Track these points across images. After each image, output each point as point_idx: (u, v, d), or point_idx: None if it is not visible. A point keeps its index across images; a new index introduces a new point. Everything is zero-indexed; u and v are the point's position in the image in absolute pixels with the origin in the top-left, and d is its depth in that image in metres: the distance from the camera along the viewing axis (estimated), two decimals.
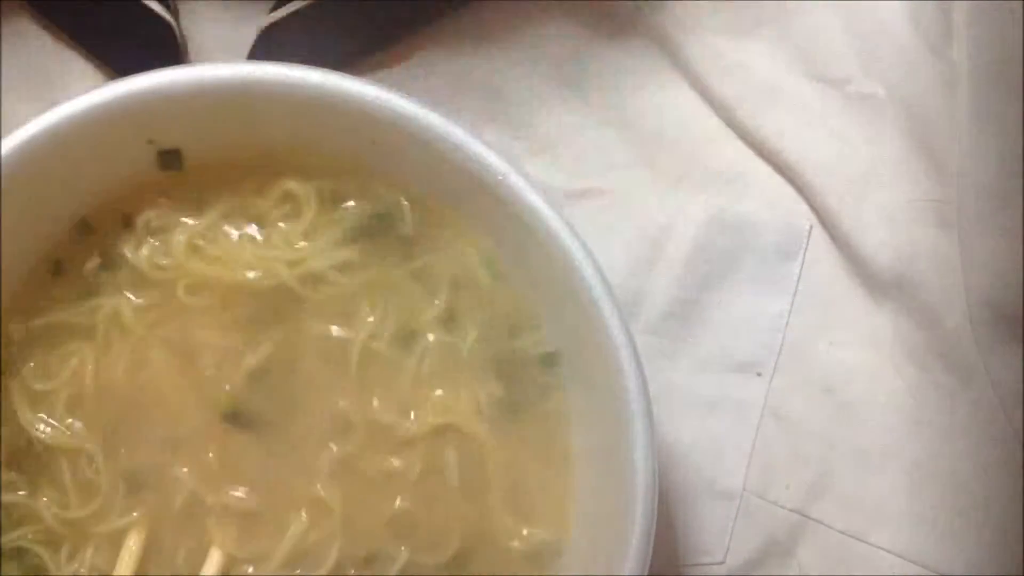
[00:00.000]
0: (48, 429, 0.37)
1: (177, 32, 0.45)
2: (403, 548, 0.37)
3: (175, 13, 0.46)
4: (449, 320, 0.38)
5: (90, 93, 0.34)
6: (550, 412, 0.38)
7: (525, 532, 0.37)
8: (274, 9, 0.45)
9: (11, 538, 0.37)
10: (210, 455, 0.37)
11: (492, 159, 0.34)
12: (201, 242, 0.38)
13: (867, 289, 0.44)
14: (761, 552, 0.43)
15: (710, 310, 0.44)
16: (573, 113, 0.46)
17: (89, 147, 0.35)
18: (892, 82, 0.44)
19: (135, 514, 0.37)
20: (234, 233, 0.38)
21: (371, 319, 0.38)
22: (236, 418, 0.37)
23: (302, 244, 0.38)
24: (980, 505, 0.43)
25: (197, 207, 0.38)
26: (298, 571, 0.37)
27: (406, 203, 0.38)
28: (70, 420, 0.37)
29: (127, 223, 0.38)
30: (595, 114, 0.46)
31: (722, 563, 0.43)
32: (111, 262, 0.38)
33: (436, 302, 0.38)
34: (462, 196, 0.36)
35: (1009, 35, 0.41)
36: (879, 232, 0.44)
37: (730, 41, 0.45)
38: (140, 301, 0.38)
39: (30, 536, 0.37)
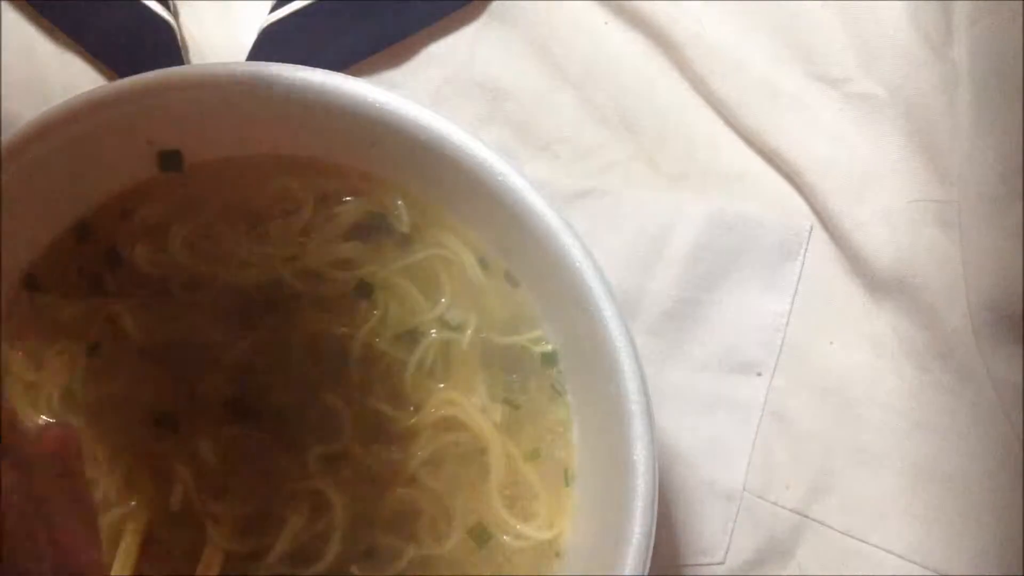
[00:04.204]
0: (46, 424, 0.37)
1: (177, 32, 0.45)
2: (404, 543, 0.37)
3: (175, 13, 0.46)
4: (448, 318, 0.38)
5: (90, 93, 0.34)
6: (549, 411, 0.38)
7: (525, 531, 0.37)
8: (274, 9, 0.45)
9: None
10: (208, 449, 0.37)
11: (492, 159, 0.34)
12: (198, 239, 0.38)
13: (867, 289, 0.44)
14: (761, 552, 0.43)
15: (710, 310, 0.44)
16: (573, 113, 0.46)
17: (89, 147, 0.35)
18: (892, 82, 0.44)
19: (133, 504, 0.37)
20: (231, 230, 0.38)
21: (371, 316, 0.38)
22: (234, 412, 0.37)
23: (300, 241, 0.38)
24: (980, 505, 0.43)
25: (195, 204, 0.38)
26: (298, 565, 0.37)
27: (402, 202, 0.38)
28: (67, 415, 0.37)
29: (125, 221, 0.38)
30: (595, 114, 0.46)
31: (722, 563, 0.43)
32: (109, 260, 0.38)
33: (435, 300, 0.38)
34: (462, 196, 0.36)
35: (1009, 35, 0.41)
36: (879, 232, 0.44)
37: (730, 41, 0.45)
38: (137, 298, 0.38)
39: None
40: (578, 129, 0.46)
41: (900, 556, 0.43)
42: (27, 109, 0.44)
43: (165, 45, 0.45)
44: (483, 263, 0.38)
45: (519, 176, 0.34)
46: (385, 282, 0.38)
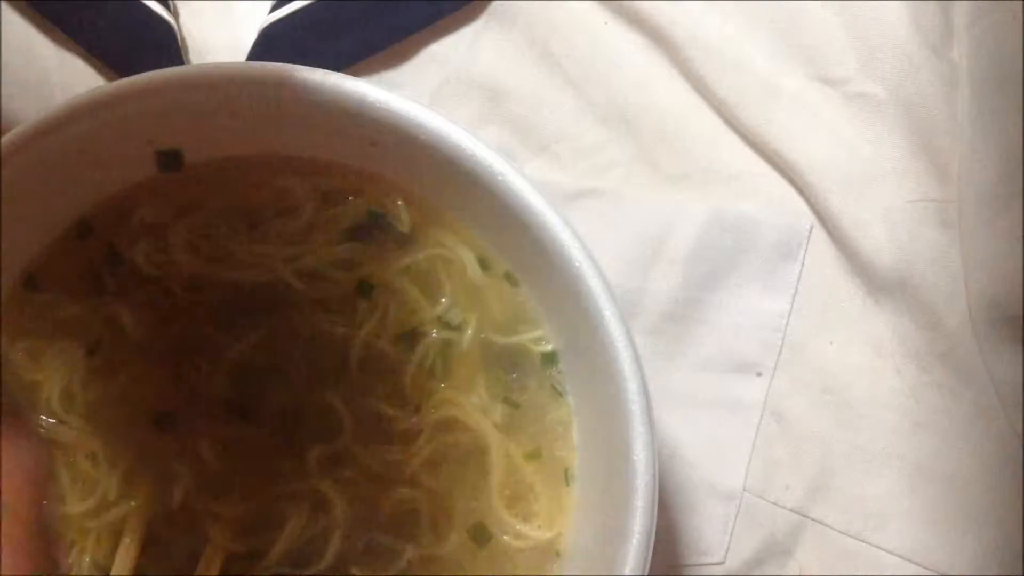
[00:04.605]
0: (46, 424, 0.37)
1: (177, 32, 0.45)
2: (404, 543, 0.37)
3: (175, 13, 0.46)
4: (448, 318, 0.38)
5: (90, 93, 0.34)
6: (550, 411, 0.38)
7: (525, 531, 0.37)
8: (274, 9, 0.45)
9: None
10: (208, 449, 0.37)
11: (492, 159, 0.34)
12: (198, 239, 0.38)
13: (867, 289, 0.44)
14: (761, 552, 0.43)
15: (710, 310, 0.44)
16: (573, 113, 0.46)
17: (89, 147, 0.35)
18: (892, 82, 0.44)
19: (133, 503, 0.37)
20: (231, 230, 0.38)
21: (371, 316, 0.38)
22: (234, 412, 0.37)
23: (300, 241, 0.38)
24: (981, 505, 0.43)
25: (194, 204, 0.38)
26: (298, 565, 0.37)
27: (402, 202, 0.38)
28: (67, 415, 0.37)
29: (125, 221, 0.38)
30: (595, 114, 0.46)
31: (722, 563, 0.43)
32: (109, 260, 0.38)
33: (435, 300, 0.38)
34: (461, 196, 0.36)
35: (1009, 35, 0.41)
36: (879, 232, 0.44)
37: (730, 41, 0.45)
38: (137, 298, 0.38)
39: None
40: (578, 129, 0.46)
41: (900, 556, 0.43)
42: (27, 109, 0.44)
43: (165, 45, 0.45)
44: (483, 263, 0.38)
45: (519, 176, 0.34)
46: (385, 282, 0.38)
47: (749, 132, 0.45)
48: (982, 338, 0.43)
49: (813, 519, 0.43)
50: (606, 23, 0.46)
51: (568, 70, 0.46)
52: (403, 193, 0.38)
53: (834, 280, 0.45)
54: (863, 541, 0.43)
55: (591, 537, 0.36)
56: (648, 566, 0.33)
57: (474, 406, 0.38)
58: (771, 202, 0.45)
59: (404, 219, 0.38)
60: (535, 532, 0.37)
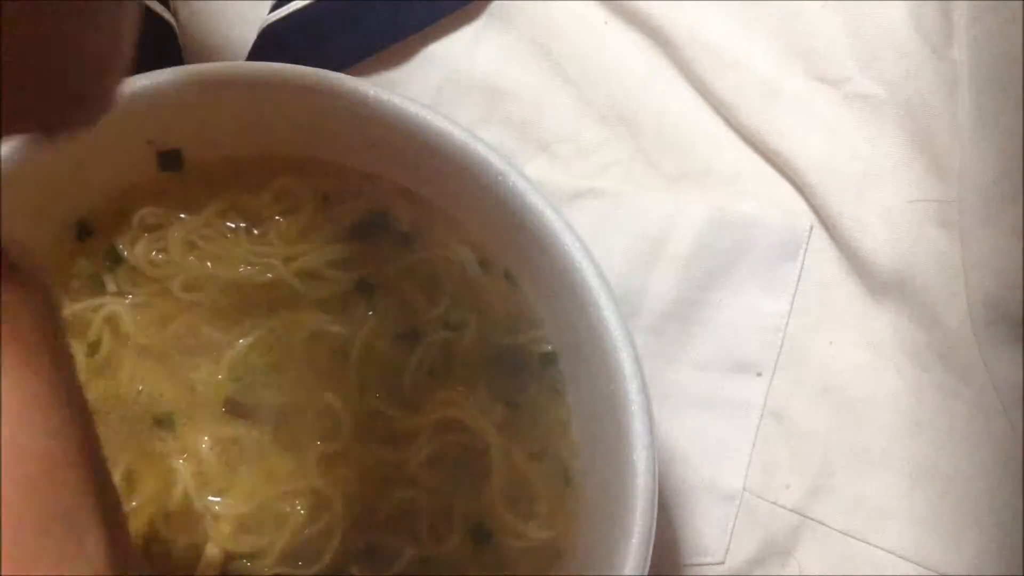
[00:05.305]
0: None
1: (177, 32, 0.45)
2: (404, 543, 0.37)
3: (175, 13, 0.46)
4: (448, 318, 0.38)
5: None
6: (549, 411, 0.38)
7: (525, 531, 0.37)
8: (274, 9, 0.45)
9: None
10: (207, 448, 0.37)
11: (491, 159, 0.34)
12: (198, 239, 0.38)
13: (867, 289, 0.44)
14: (761, 552, 0.43)
15: (710, 310, 0.44)
16: (573, 113, 0.46)
17: (89, 147, 0.35)
18: (892, 82, 0.44)
19: (134, 504, 0.37)
20: (231, 230, 0.38)
21: (371, 316, 0.38)
22: (233, 411, 0.37)
23: (299, 241, 0.38)
24: (980, 505, 0.43)
25: (194, 204, 0.38)
26: (298, 565, 0.37)
27: (402, 202, 0.38)
28: None
29: (125, 221, 0.38)
30: (595, 113, 0.46)
31: (722, 563, 0.43)
32: (109, 260, 0.38)
33: (435, 300, 0.38)
34: (461, 196, 0.36)
35: (1009, 35, 0.41)
36: (879, 232, 0.44)
37: (730, 41, 0.45)
38: (137, 298, 0.38)
39: None
40: (578, 129, 0.46)
41: (900, 556, 0.43)
42: None
43: (165, 45, 0.45)
44: (483, 263, 0.38)
45: (519, 176, 0.34)
46: (385, 282, 0.38)
47: (749, 132, 0.45)
48: (982, 338, 0.43)
49: (813, 519, 0.43)
50: (606, 23, 0.46)
51: (568, 70, 0.46)
52: (403, 193, 0.38)
53: (834, 280, 0.45)
54: (863, 541, 0.43)
55: (591, 537, 0.36)
56: (648, 566, 0.33)
57: (474, 406, 0.38)
58: (771, 202, 0.45)
59: (404, 219, 0.38)
60: (535, 532, 0.37)
